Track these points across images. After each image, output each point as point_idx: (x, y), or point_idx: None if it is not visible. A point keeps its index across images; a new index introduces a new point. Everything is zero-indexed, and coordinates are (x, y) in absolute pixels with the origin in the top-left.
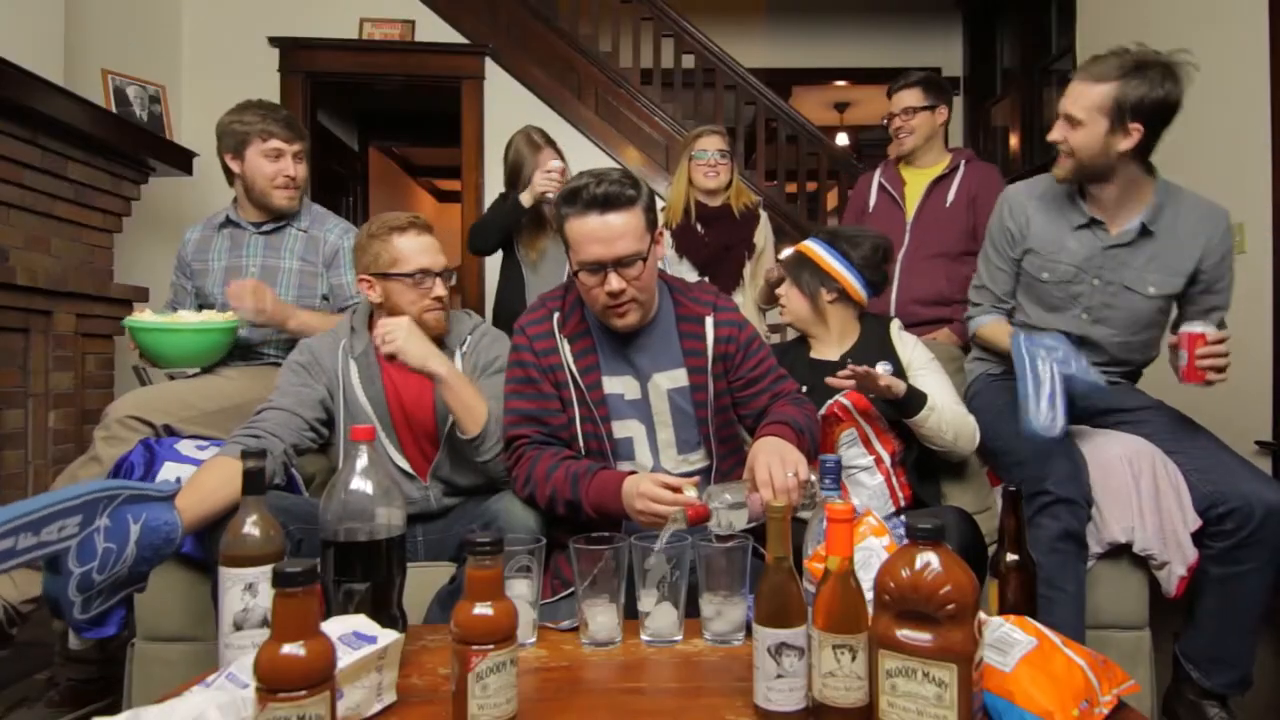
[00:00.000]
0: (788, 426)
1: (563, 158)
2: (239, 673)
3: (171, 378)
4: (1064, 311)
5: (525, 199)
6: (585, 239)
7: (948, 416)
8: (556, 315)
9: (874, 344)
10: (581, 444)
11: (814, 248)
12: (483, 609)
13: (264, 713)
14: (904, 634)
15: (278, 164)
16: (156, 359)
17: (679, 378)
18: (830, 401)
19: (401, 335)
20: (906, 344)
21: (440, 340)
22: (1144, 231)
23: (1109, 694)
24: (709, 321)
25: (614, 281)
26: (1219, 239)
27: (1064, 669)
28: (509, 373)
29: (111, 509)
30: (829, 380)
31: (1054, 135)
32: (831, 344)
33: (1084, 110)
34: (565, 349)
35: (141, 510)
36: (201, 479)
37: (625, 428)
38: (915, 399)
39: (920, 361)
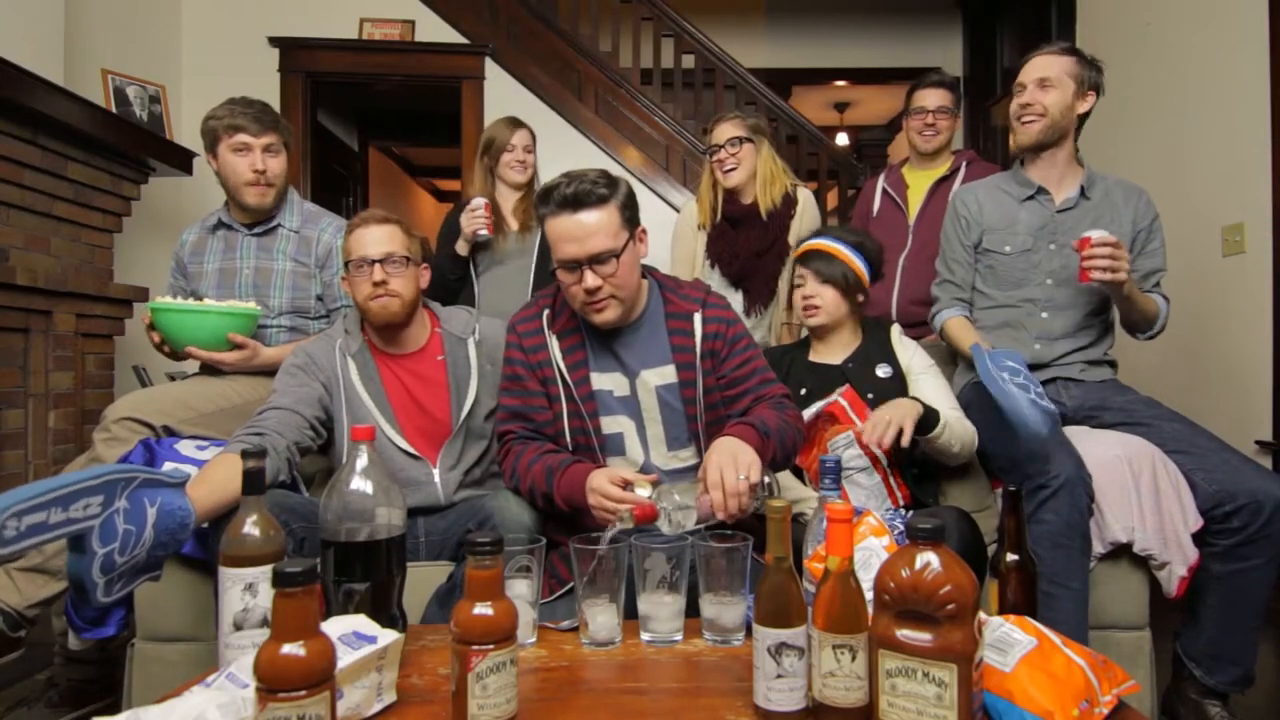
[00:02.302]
0: (751, 428)
1: (534, 144)
2: (239, 673)
3: (172, 378)
4: (1028, 283)
5: (460, 248)
6: (560, 238)
7: (956, 430)
8: (546, 312)
9: (875, 348)
10: (569, 439)
11: (845, 252)
12: (483, 609)
13: (264, 713)
14: (904, 634)
15: (246, 159)
16: (176, 344)
17: (667, 374)
18: (829, 401)
19: None
20: (907, 349)
21: (400, 331)
22: (1083, 195)
23: (1109, 694)
24: (698, 318)
25: (589, 279)
26: (1145, 206)
27: (1064, 669)
28: (502, 369)
29: (129, 491)
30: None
31: (1026, 99)
32: (837, 348)
33: (1056, 73)
34: (554, 345)
35: (156, 494)
36: (210, 473)
37: (615, 423)
38: (930, 418)
39: (920, 366)
